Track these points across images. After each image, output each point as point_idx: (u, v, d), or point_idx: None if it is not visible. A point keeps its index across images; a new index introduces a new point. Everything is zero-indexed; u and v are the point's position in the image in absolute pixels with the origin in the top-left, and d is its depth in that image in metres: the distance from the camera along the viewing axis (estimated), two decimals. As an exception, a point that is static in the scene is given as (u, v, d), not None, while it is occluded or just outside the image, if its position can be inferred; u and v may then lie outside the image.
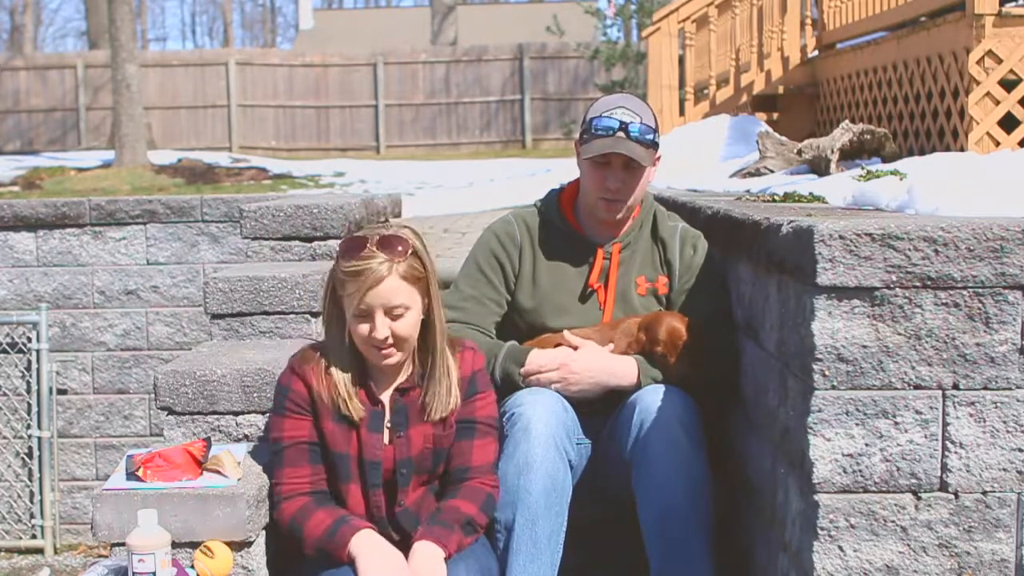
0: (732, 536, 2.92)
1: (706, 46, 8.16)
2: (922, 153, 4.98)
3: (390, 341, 2.45)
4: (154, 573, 2.30)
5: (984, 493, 2.15)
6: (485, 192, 9.72)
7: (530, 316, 3.01)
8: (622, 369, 2.85)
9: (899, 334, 2.13)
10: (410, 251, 2.48)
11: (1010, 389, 2.13)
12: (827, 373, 2.14)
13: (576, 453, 2.79)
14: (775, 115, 7.32)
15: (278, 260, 3.85)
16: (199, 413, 2.96)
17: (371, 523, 2.53)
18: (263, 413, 2.96)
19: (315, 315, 3.44)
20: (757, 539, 2.71)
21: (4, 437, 6.60)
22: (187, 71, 20.18)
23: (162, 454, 2.63)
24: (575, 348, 2.88)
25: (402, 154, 19.30)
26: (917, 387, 2.14)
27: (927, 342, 2.13)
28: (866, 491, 2.15)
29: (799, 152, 4.56)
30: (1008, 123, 4.58)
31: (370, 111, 20.39)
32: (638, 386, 2.84)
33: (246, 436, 2.96)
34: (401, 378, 2.57)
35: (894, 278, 2.12)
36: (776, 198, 3.40)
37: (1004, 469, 2.14)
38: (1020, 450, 2.14)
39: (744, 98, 7.50)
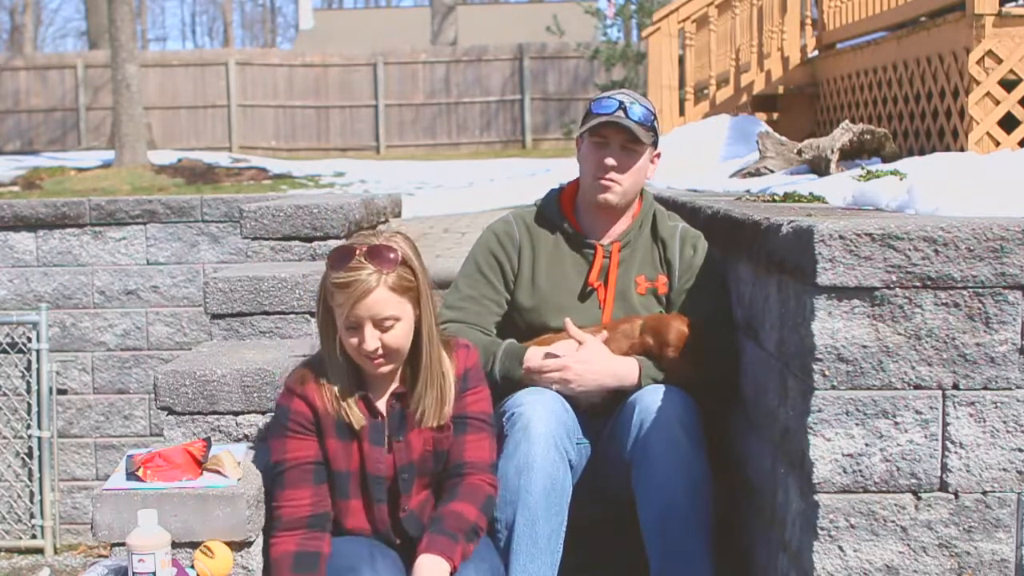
0: (732, 536, 2.92)
1: (706, 46, 8.16)
2: (922, 153, 4.98)
3: (381, 352, 2.42)
4: (154, 573, 2.30)
5: (984, 493, 2.15)
6: (485, 192, 9.73)
7: (530, 315, 3.01)
8: (624, 370, 2.85)
9: (899, 334, 2.13)
10: (400, 261, 2.42)
11: (1010, 389, 2.13)
12: (827, 373, 2.14)
13: (576, 453, 2.79)
14: (775, 115, 7.32)
15: (278, 260, 3.85)
16: (199, 413, 2.96)
17: (373, 532, 2.53)
18: (263, 413, 2.96)
19: (315, 315, 3.44)
20: (757, 539, 2.71)
21: (4, 437, 6.60)
22: (187, 71, 20.18)
23: (162, 454, 2.63)
24: (578, 341, 2.87)
25: (402, 154, 19.30)
26: (917, 387, 2.14)
27: (927, 342, 2.13)
28: (866, 491, 2.15)
29: (799, 152, 4.56)
30: (1008, 123, 4.58)
31: (370, 111, 20.39)
32: (638, 387, 2.84)
33: (246, 436, 2.96)
34: (395, 384, 2.55)
35: (894, 278, 2.12)
36: (776, 198, 3.40)
37: (1004, 469, 2.14)
38: (1020, 450, 2.14)
39: (744, 98, 7.50)
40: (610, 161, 2.91)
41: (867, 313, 2.13)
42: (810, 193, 3.34)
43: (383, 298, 2.39)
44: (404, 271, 2.43)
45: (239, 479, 2.61)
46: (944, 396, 2.14)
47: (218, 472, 2.62)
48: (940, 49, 4.91)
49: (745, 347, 2.82)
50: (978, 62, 4.51)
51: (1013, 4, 4.57)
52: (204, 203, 6.55)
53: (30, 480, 6.59)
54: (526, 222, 3.07)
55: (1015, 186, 2.49)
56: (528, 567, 2.62)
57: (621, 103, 2.89)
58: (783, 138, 5.11)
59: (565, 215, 3.05)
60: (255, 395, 2.95)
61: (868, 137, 4.36)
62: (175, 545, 2.46)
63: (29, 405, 6.56)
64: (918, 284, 2.12)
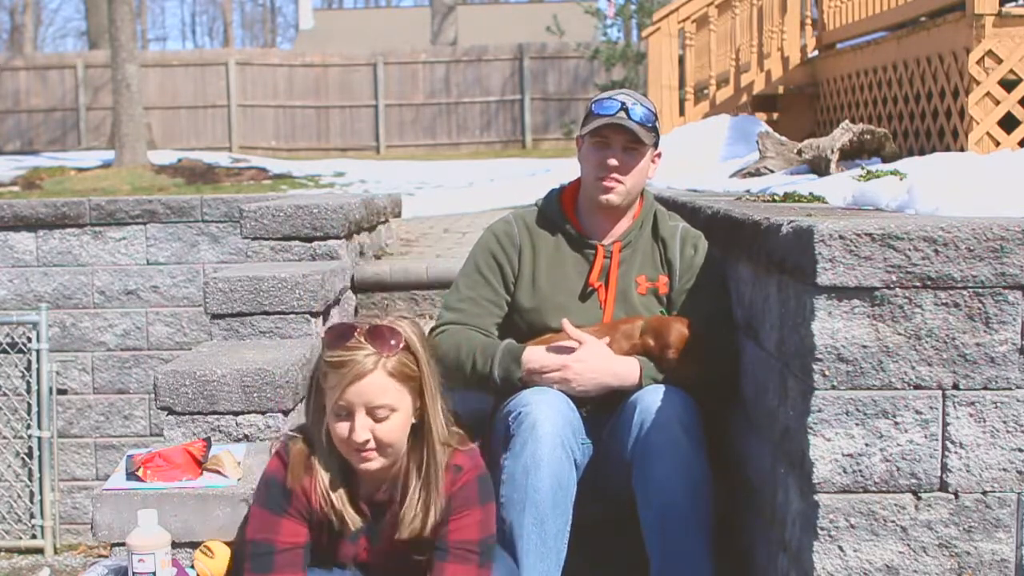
0: (732, 536, 2.92)
1: (706, 46, 8.16)
2: (922, 153, 4.98)
3: (371, 445, 2.19)
4: (154, 573, 2.30)
5: (984, 493, 2.15)
6: (485, 192, 9.73)
7: (530, 316, 3.01)
8: (624, 370, 2.85)
9: (899, 334, 2.13)
10: (403, 345, 2.21)
11: (1010, 389, 2.13)
12: (827, 373, 2.14)
13: (580, 452, 2.79)
14: (775, 115, 7.32)
15: (278, 260, 3.85)
16: (199, 413, 2.96)
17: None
18: (263, 413, 2.96)
19: (315, 315, 3.44)
20: (757, 539, 2.71)
21: (4, 437, 6.60)
22: (187, 71, 20.18)
23: (162, 454, 2.63)
24: (577, 342, 2.87)
25: (402, 154, 19.30)
26: (917, 387, 2.14)
27: (927, 342, 2.13)
28: (866, 491, 2.15)
29: (799, 152, 4.56)
30: (1008, 123, 4.58)
31: (370, 111, 20.39)
32: (639, 387, 2.85)
33: (246, 436, 2.96)
34: (385, 485, 2.31)
35: (894, 278, 2.12)
36: (776, 198, 3.40)
37: (1004, 469, 2.14)
38: (1020, 450, 2.14)
39: (744, 98, 7.50)
40: (612, 162, 2.91)
41: (867, 313, 2.13)
42: (810, 193, 3.34)
43: (379, 383, 2.18)
44: (406, 356, 2.22)
45: (239, 479, 2.61)
46: (944, 396, 2.14)
47: (218, 472, 2.62)
48: (940, 49, 4.91)
49: (745, 347, 2.81)
50: (978, 62, 4.51)
51: (1013, 4, 4.57)
52: (204, 203, 6.55)
53: (30, 480, 6.59)
54: (526, 222, 3.07)
55: (1015, 186, 2.49)
56: (538, 566, 2.63)
57: (623, 104, 2.89)
58: (783, 138, 5.12)
59: (566, 215, 3.05)
60: (255, 395, 2.95)
61: (868, 137, 4.36)
62: (175, 545, 2.46)
63: (29, 405, 6.56)
64: (918, 284, 2.12)
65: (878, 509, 2.15)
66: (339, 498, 2.27)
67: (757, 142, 5.01)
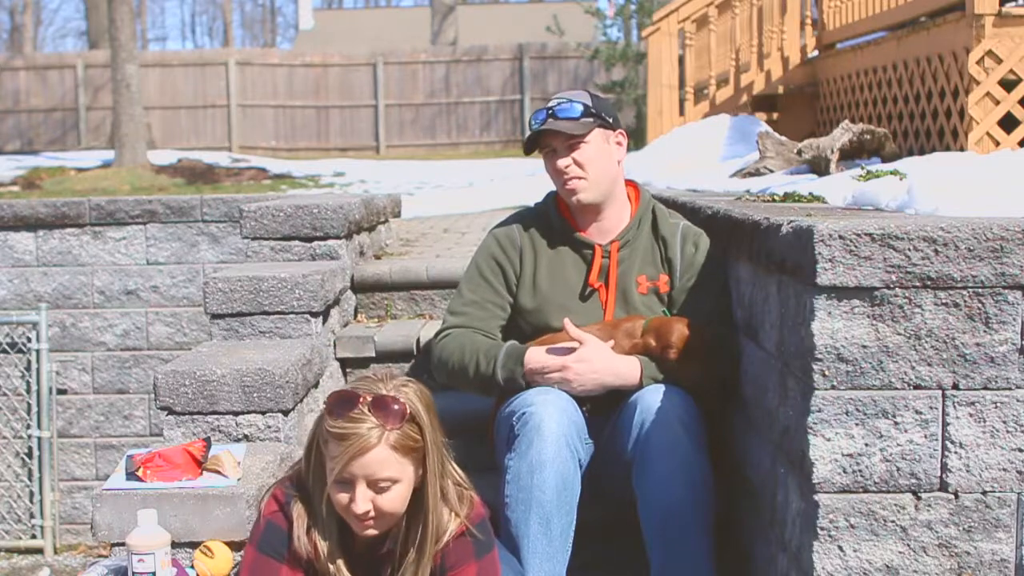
0: (732, 536, 2.92)
1: (706, 46, 8.16)
2: (922, 153, 4.98)
3: (371, 515, 2.17)
4: (154, 573, 2.30)
5: (984, 493, 2.15)
6: (485, 192, 9.73)
7: (532, 317, 3.01)
8: (625, 369, 2.85)
9: (899, 334, 2.13)
10: (407, 416, 2.17)
11: (1010, 389, 2.13)
12: (827, 373, 2.14)
13: (584, 452, 2.80)
14: (775, 115, 7.32)
15: (278, 260, 3.85)
16: (199, 413, 2.96)
17: None
18: (263, 413, 2.96)
19: (315, 315, 3.44)
20: (757, 539, 2.71)
21: (4, 437, 6.60)
22: (187, 71, 20.17)
23: (162, 454, 2.63)
24: (577, 341, 2.87)
25: (402, 154, 19.30)
26: (917, 387, 2.14)
27: (927, 342, 2.13)
28: (866, 491, 2.15)
29: (799, 152, 4.56)
30: (1008, 123, 4.58)
31: (370, 111, 20.39)
32: (640, 386, 2.85)
33: (246, 436, 2.96)
34: (385, 545, 2.28)
35: (894, 278, 2.12)
36: (776, 198, 3.40)
37: (1004, 469, 2.14)
38: (1020, 450, 2.14)
39: (744, 98, 7.50)
40: (561, 163, 2.96)
41: (867, 313, 2.13)
42: (810, 193, 3.34)
43: (382, 458, 2.14)
44: (410, 428, 2.17)
45: (239, 479, 2.61)
46: (944, 396, 2.14)
47: (218, 472, 2.62)
48: (940, 49, 4.91)
49: (745, 347, 2.82)
50: (978, 62, 4.51)
51: (1013, 4, 4.57)
52: (204, 203, 6.56)
53: (30, 480, 6.60)
54: (526, 224, 3.08)
55: (1015, 186, 2.48)
56: (544, 566, 2.63)
57: (549, 109, 2.96)
58: (783, 138, 5.12)
59: (563, 217, 3.06)
60: (255, 395, 2.95)
61: (868, 137, 4.37)
62: (175, 545, 2.46)
63: (29, 405, 6.56)
64: (918, 284, 2.12)
65: (878, 509, 2.15)
66: (338, 567, 2.24)
67: (757, 142, 5.01)
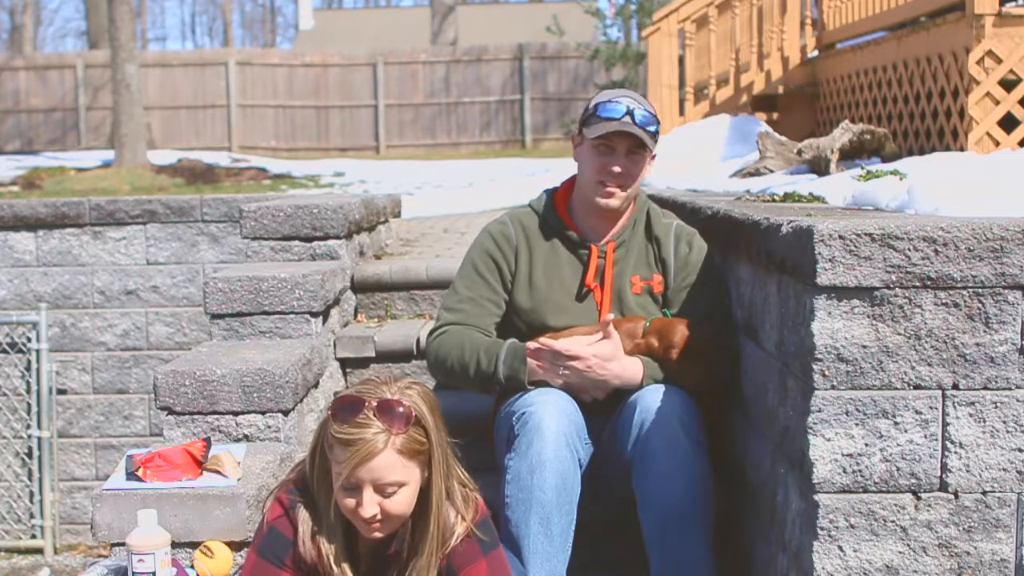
0: (732, 536, 2.92)
1: (706, 46, 8.16)
2: (922, 153, 4.98)
3: (378, 518, 2.17)
4: (154, 573, 2.30)
5: (984, 493, 2.15)
6: (485, 192, 9.72)
7: (528, 316, 3.01)
8: (628, 370, 2.85)
9: (899, 334, 2.13)
10: (413, 420, 2.16)
11: (1010, 389, 2.13)
12: (827, 373, 2.14)
13: (584, 452, 2.79)
14: (775, 115, 7.32)
15: (278, 260, 3.85)
16: (199, 413, 2.96)
17: None
18: (263, 413, 2.96)
19: (315, 315, 3.44)
20: (757, 539, 2.71)
21: (4, 437, 6.60)
22: (187, 71, 20.17)
23: (162, 454, 2.63)
24: (575, 356, 2.84)
25: (402, 154, 19.29)
26: (917, 387, 2.14)
27: (927, 342, 2.13)
28: (866, 491, 2.15)
29: (799, 152, 4.56)
30: (1008, 123, 4.58)
31: (370, 111, 20.39)
32: (640, 386, 2.85)
33: (246, 436, 2.96)
34: (391, 546, 2.27)
35: (894, 278, 2.12)
36: (776, 198, 3.40)
37: (1004, 469, 2.14)
38: (1020, 450, 2.14)
39: (744, 98, 7.50)
40: (617, 169, 2.89)
41: (867, 313, 2.13)
42: (810, 193, 3.34)
43: (389, 463, 2.13)
44: (416, 432, 2.16)
45: (239, 479, 2.61)
46: (944, 396, 2.14)
47: (218, 472, 2.62)
48: (940, 49, 4.91)
49: (745, 347, 2.82)
50: (978, 62, 4.51)
51: (1013, 4, 4.57)
52: (204, 203, 6.56)
53: (30, 480, 6.60)
54: (522, 223, 3.06)
55: (1015, 186, 2.49)
56: (544, 566, 2.63)
57: (629, 109, 2.86)
58: (783, 138, 5.12)
59: (560, 216, 3.04)
60: (255, 395, 2.95)
61: (868, 137, 4.37)
62: (175, 545, 2.46)
63: (29, 405, 6.56)
64: (918, 284, 2.12)
65: (878, 509, 2.15)
66: (343, 571, 2.23)
67: (757, 142, 5.01)
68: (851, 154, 4.36)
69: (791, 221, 2.30)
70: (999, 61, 4.51)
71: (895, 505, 2.15)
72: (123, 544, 2.42)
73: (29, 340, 6.49)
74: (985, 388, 2.14)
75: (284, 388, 2.96)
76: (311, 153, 19.33)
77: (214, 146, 19.36)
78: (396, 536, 2.25)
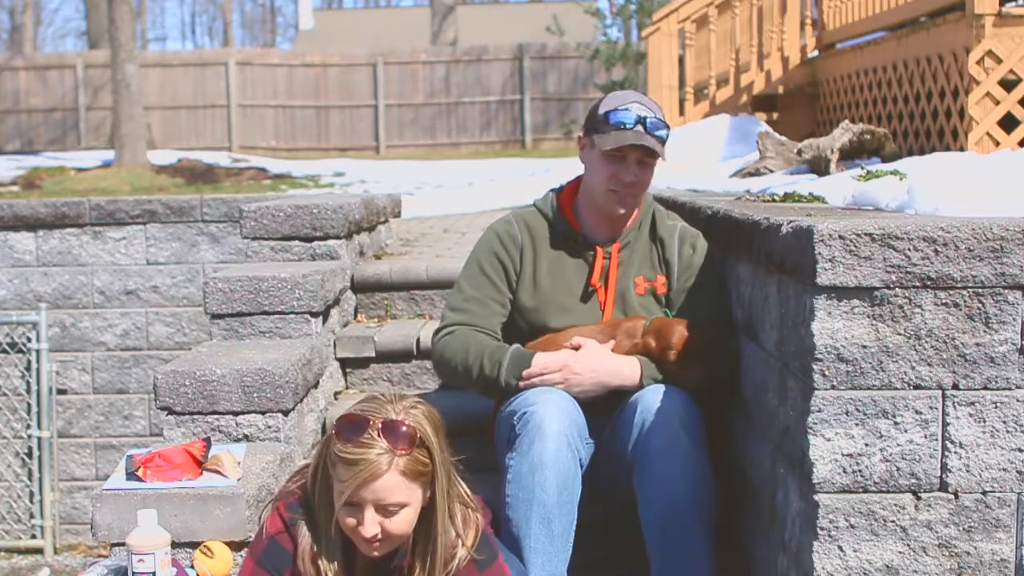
0: (732, 536, 2.92)
1: (706, 46, 8.16)
2: (922, 153, 4.98)
3: (379, 538, 2.16)
4: (154, 573, 2.30)
5: (984, 493, 2.15)
6: (485, 192, 9.72)
7: (531, 316, 3.01)
8: (625, 370, 2.85)
9: (899, 334, 2.13)
10: (417, 441, 2.15)
11: (1010, 389, 2.13)
12: (827, 373, 2.14)
13: (585, 452, 2.79)
14: (775, 115, 7.32)
15: (278, 260, 3.85)
16: (199, 413, 2.96)
17: None
18: (263, 413, 2.96)
19: (315, 315, 3.44)
20: (757, 539, 2.71)
21: (4, 437, 6.60)
22: (187, 71, 20.17)
23: (162, 454, 2.63)
24: (573, 348, 2.88)
25: (402, 154, 19.29)
26: (917, 387, 2.14)
27: (927, 342, 2.13)
28: (866, 491, 2.15)
29: (799, 152, 4.56)
30: (1008, 123, 4.58)
31: (370, 111, 20.39)
32: (640, 386, 2.85)
33: (246, 436, 2.96)
34: (393, 561, 2.26)
35: (894, 278, 2.12)
36: (776, 198, 3.40)
37: (1004, 469, 2.14)
38: (1020, 450, 2.14)
39: (744, 98, 7.51)
40: (629, 178, 2.89)
41: (867, 313, 2.13)
42: (810, 193, 3.35)
43: (392, 484, 2.12)
44: (420, 453, 2.15)
45: (239, 479, 2.61)
46: (944, 396, 2.14)
47: (218, 472, 2.62)
48: (940, 49, 4.92)
49: (745, 347, 2.82)
50: (978, 62, 4.51)
51: (1013, 4, 4.57)
52: (204, 203, 6.56)
53: (30, 480, 6.60)
54: (527, 223, 3.06)
55: (1015, 186, 2.49)
56: (546, 566, 2.63)
57: (640, 117, 2.85)
58: (783, 138, 5.12)
59: (565, 216, 3.04)
60: (255, 395, 2.95)
61: (868, 137, 4.37)
62: (175, 545, 2.46)
63: (29, 405, 6.56)
64: (918, 284, 2.12)
65: (878, 509, 2.15)
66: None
67: (757, 142, 5.02)
68: (851, 154, 4.36)
69: (791, 221, 2.30)
70: (999, 61, 4.51)
71: (895, 505, 2.15)
72: (123, 544, 2.42)
73: (29, 340, 6.49)
74: (985, 388, 2.14)
75: (284, 388, 2.96)
76: (311, 153, 19.34)
77: (214, 146, 19.36)
78: (396, 554, 2.24)
